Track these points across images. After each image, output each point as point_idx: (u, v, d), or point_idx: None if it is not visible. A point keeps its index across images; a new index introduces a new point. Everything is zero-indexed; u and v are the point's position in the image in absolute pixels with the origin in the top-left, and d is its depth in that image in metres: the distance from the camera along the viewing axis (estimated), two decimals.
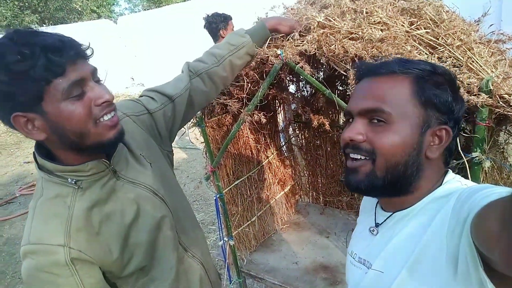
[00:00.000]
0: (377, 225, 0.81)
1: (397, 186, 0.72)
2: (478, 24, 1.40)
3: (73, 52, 0.81)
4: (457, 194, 0.66)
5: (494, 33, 1.38)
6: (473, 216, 0.54)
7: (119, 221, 0.97)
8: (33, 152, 0.93)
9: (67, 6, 16.00)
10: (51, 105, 0.80)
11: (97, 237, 0.93)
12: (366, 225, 0.86)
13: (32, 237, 0.87)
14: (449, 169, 0.77)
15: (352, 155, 0.73)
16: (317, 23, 1.29)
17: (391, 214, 0.78)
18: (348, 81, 1.21)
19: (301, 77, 2.17)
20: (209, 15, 3.40)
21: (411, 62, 0.72)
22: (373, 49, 1.15)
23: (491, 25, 1.42)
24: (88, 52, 0.86)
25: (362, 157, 0.71)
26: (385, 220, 0.79)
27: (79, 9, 16.39)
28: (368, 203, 0.93)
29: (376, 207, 0.84)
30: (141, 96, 1.25)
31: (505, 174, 1.37)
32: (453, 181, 0.74)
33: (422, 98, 0.68)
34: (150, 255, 1.04)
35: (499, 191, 0.56)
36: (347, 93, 2.39)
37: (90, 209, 0.92)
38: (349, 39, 1.23)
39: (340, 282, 1.91)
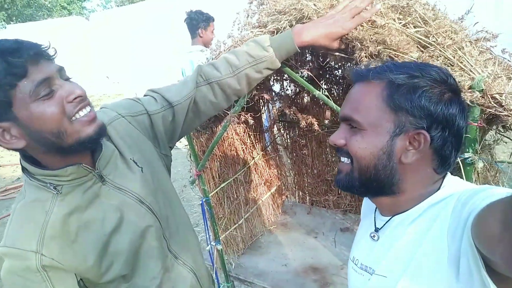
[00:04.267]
0: (376, 229, 0.81)
1: (373, 186, 0.75)
2: (462, 22, 1.40)
3: (32, 52, 0.78)
4: (456, 196, 0.65)
5: (479, 31, 1.37)
6: (474, 218, 0.54)
7: (98, 229, 0.95)
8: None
9: (35, 3, 15.42)
10: (21, 109, 0.78)
11: (72, 244, 0.91)
12: (366, 230, 0.86)
13: (8, 240, 0.87)
14: (448, 172, 0.76)
15: (341, 158, 0.78)
16: (313, 10, 1.23)
17: (390, 218, 0.78)
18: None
19: (285, 76, 2.15)
20: (193, 11, 3.34)
21: (386, 66, 0.73)
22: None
23: (476, 23, 1.42)
24: (51, 51, 0.83)
25: (346, 160, 0.77)
26: (384, 224, 0.79)
27: (49, 5, 15.82)
28: (367, 208, 0.93)
29: (375, 212, 0.84)
30: (145, 95, 1.21)
31: (494, 173, 1.38)
32: (451, 184, 0.73)
33: (391, 104, 0.70)
34: (131, 264, 1.02)
35: (499, 192, 0.55)
36: (332, 92, 2.38)
37: (68, 215, 0.90)
38: None
39: (331, 283, 1.90)
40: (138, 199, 1.02)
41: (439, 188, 0.73)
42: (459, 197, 0.64)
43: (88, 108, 0.87)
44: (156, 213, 1.07)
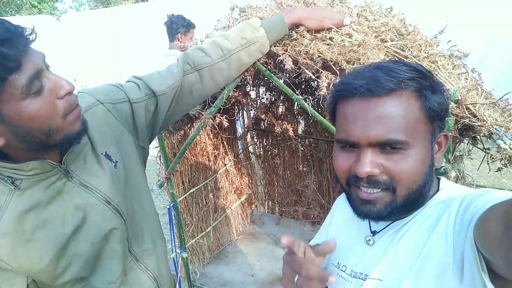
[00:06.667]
0: (374, 233, 0.76)
1: (417, 203, 0.69)
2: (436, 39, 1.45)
3: (24, 41, 0.70)
4: (460, 198, 0.64)
5: (452, 46, 1.42)
6: (476, 220, 0.53)
7: (57, 229, 0.87)
8: None
9: None
10: (10, 106, 0.70)
11: (26, 244, 0.83)
12: (356, 235, 0.80)
13: None
14: (441, 176, 0.76)
15: (367, 190, 0.67)
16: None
17: (391, 223, 0.73)
18: (321, 86, 1.18)
19: (262, 83, 2.13)
20: (174, 15, 3.31)
21: (397, 71, 0.64)
22: (350, 53, 1.12)
23: (449, 41, 1.47)
24: (33, 36, 0.74)
25: (381, 190, 0.66)
26: (383, 228, 0.74)
27: (18, 2, 15.26)
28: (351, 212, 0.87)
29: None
30: (127, 81, 1.12)
31: (463, 183, 1.42)
32: (449, 186, 0.72)
33: (431, 113, 0.64)
34: (90, 267, 0.95)
35: (502, 195, 0.55)
36: (307, 102, 2.39)
37: (25, 212, 0.82)
38: (324, 44, 1.19)
39: None
40: (104, 199, 0.94)
41: (438, 190, 0.72)
42: (462, 200, 0.63)
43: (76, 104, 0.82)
44: (123, 214, 0.99)
